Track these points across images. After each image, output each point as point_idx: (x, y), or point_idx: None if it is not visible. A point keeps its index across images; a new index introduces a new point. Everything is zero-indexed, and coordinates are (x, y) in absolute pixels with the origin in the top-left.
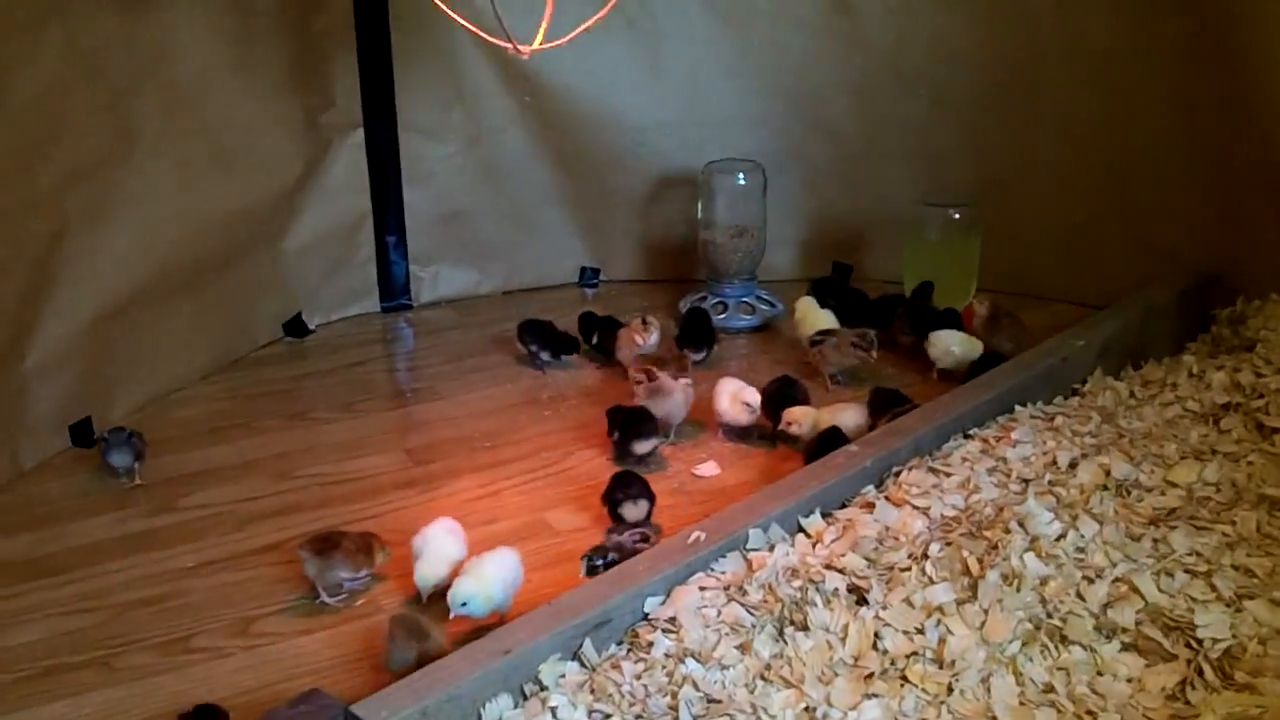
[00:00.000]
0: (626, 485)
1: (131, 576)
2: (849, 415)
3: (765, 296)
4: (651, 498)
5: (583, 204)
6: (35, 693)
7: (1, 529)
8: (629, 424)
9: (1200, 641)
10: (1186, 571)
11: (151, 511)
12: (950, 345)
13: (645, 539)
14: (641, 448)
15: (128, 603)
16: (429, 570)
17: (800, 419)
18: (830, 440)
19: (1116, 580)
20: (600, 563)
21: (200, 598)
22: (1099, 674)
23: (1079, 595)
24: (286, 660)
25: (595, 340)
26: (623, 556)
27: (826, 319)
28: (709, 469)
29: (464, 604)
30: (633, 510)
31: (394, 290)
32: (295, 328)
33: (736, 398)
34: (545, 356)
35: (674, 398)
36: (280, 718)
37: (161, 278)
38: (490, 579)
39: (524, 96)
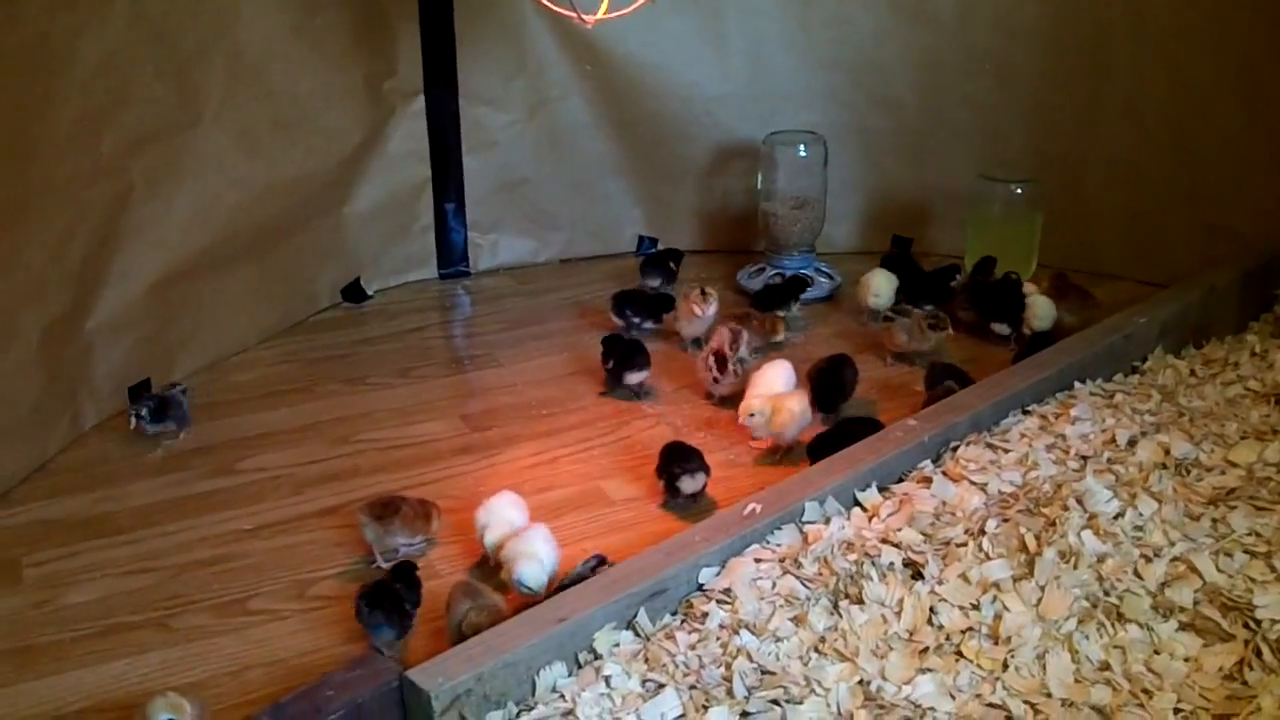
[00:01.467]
0: (684, 459)
1: (190, 538)
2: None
3: (824, 269)
4: (708, 470)
5: (642, 174)
6: (94, 651)
7: (62, 488)
8: (623, 355)
9: (1259, 622)
10: (1246, 552)
11: (210, 474)
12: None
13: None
14: (632, 378)
15: (186, 564)
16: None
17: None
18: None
19: (1175, 559)
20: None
21: (258, 560)
22: (1155, 653)
23: (1136, 574)
24: (343, 624)
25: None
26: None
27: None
28: (763, 443)
29: (529, 588)
30: (690, 484)
31: (452, 257)
32: (354, 293)
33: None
34: (648, 325)
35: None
36: (337, 681)
37: (223, 242)
38: (544, 556)
39: (585, 65)
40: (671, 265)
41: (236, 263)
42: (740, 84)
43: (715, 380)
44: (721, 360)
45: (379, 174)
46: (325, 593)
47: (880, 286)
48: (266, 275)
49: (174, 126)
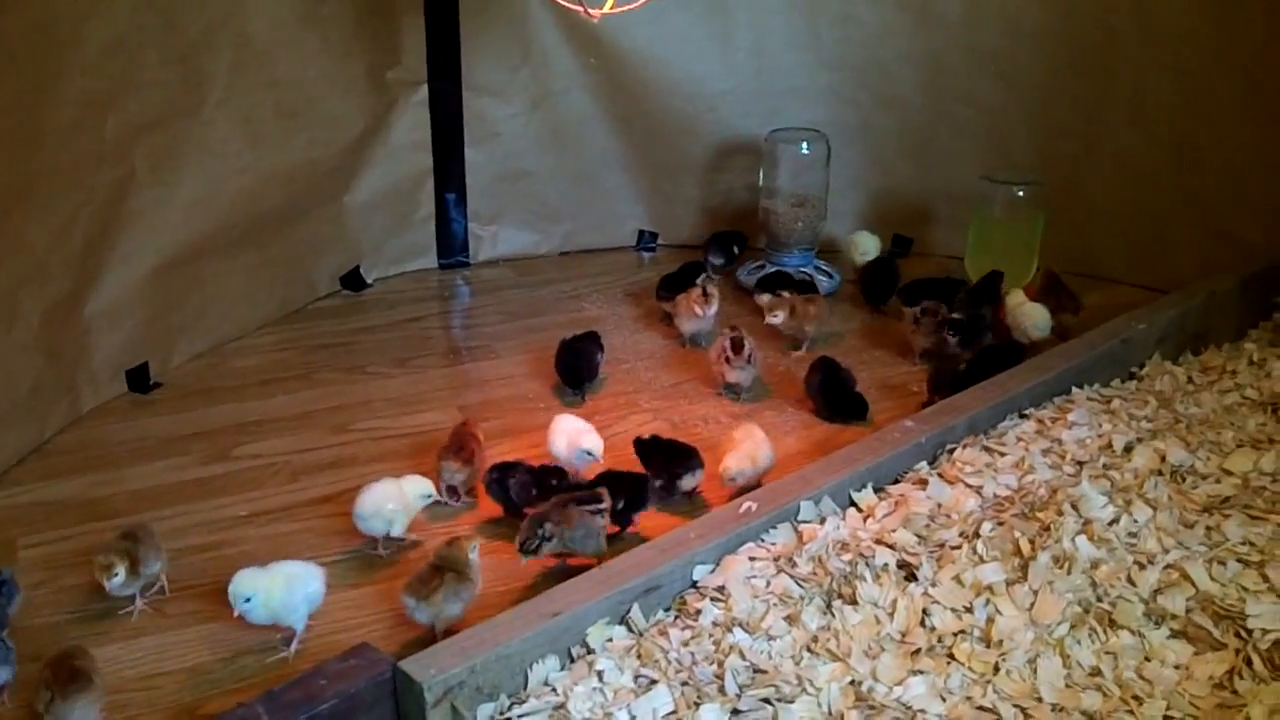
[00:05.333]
0: (684, 456)
1: (185, 523)
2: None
3: (824, 267)
4: (703, 466)
5: (644, 168)
6: (89, 634)
7: (59, 471)
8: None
9: (1250, 631)
10: (1239, 561)
11: (207, 459)
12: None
13: (598, 503)
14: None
15: (181, 549)
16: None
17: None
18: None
19: (1168, 567)
20: (535, 546)
21: (253, 547)
22: (1147, 660)
23: (1130, 580)
24: (337, 613)
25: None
26: (569, 524)
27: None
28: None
29: (247, 599)
30: (690, 481)
31: (452, 248)
32: (353, 281)
33: (574, 443)
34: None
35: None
36: (331, 670)
37: (224, 229)
38: (276, 585)
39: (590, 59)
40: (735, 249)
41: (237, 249)
42: (744, 80)
43: (728, 361)
44: (738, 344)
45: (381, 163)
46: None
47: (867, 245)
48: (267, 262)
49: (178, 112)
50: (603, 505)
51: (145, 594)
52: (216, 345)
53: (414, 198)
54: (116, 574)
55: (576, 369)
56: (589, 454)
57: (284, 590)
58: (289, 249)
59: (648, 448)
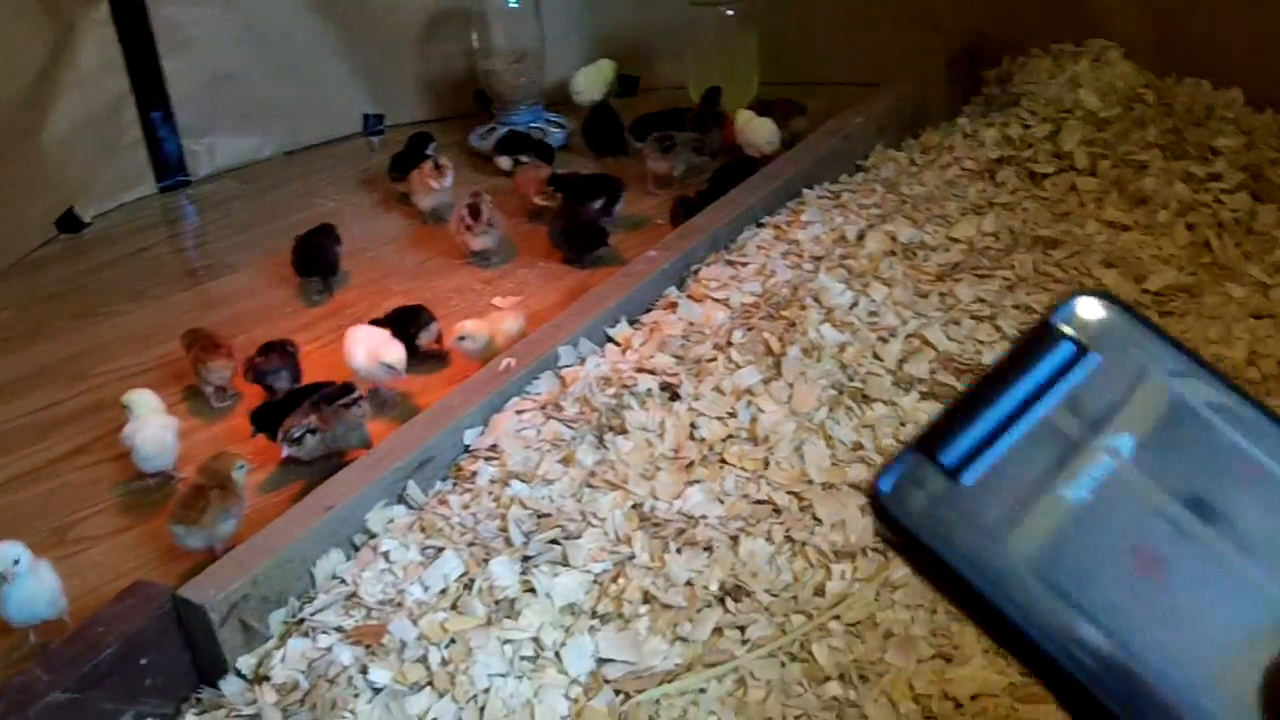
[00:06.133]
0: (414, 314)
1: None
2: (510, 323)
3: (554, 119)
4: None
5: (355, 51)
6: None
7: None
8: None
9: None
10: (972, 318)
11: None
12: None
13: (351, 393)
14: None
15: None
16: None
17: (474, 331)
18: None
19: (909, 336)
20: (299, 435)
21: (10, 514)
22: (902, 424)
23: (876, 356)
24: (111, 560)
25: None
26: (327, 425)
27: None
28: (507, 301)
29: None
30: (427, 336)
31: (169, 169)
32: (69, 223)
33: (374, 354)
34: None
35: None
36: (107, 615)
37: None
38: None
39: None
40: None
41: None
42: None
43: (468, 229)
44: (475, 210)
45: (71, 92)
46: (86, 534)
47: (579, 84)
48: None
49: None
50: (356, 394)
51: None
52: None
53: (116, 123)
54: None
55: (313, 263)
56: (391, 368)
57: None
58: None
59: (381, 324)
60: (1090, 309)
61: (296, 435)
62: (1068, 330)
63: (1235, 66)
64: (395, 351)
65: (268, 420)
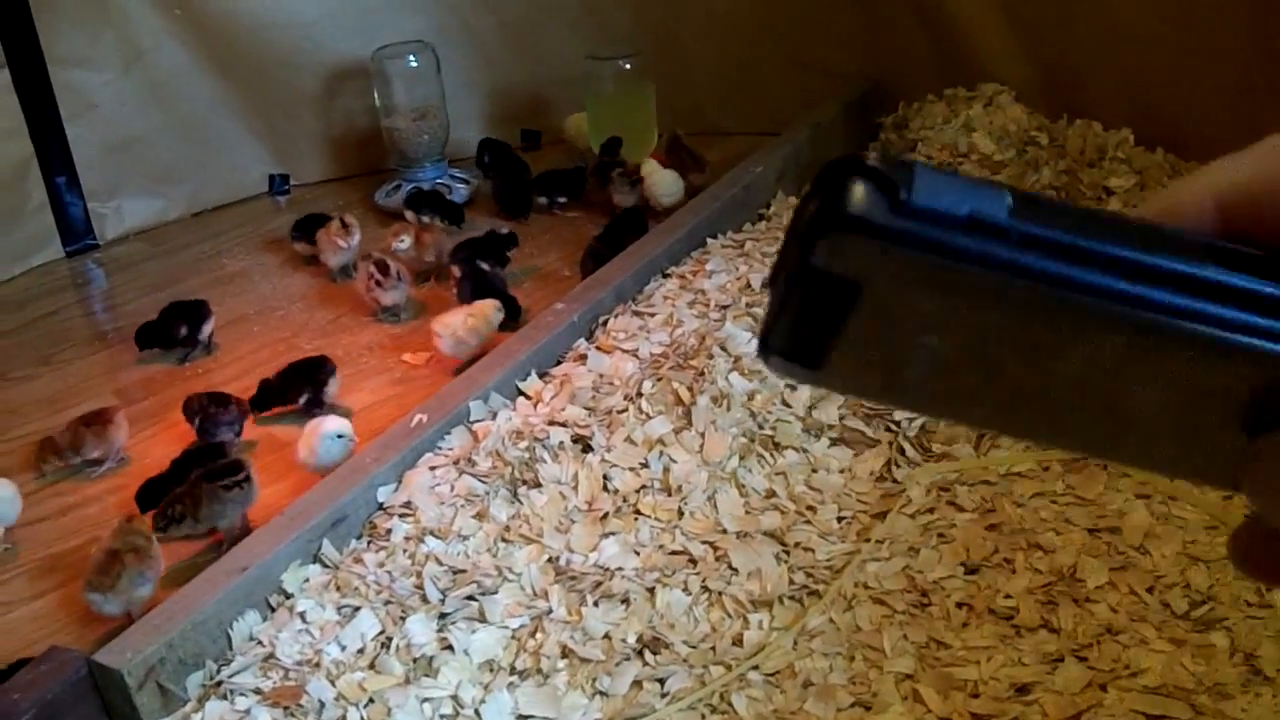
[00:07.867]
0: (319, 364)
1: None
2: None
3: (459, 175)
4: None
5: (256, 111)
6: None
7: None
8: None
9: (898, 423)
10: None
11: None
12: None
13: (234, 474)
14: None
15: None
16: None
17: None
18: None
19: None
20: (164, 524)
21: None
22: (814, 471)
23: (785, 403)
24: (24, 627)
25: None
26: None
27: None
28: (419, 357)
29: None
30: (334, 385)
31: (76, 232)
32: None
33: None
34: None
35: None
36: (21, 682)
37: None
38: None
39: (174, 10)
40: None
41: None
42: (335, 3)
43: (379, 285)
44: (383, 266)
45: None
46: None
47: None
48: None
49: None
50: (238, 476)
51: None
52: None
53: (20, 189)
54: None
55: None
56: (340, 436)
57: None
58: None
59: (285, 374)
60: None
61: (162, 525)
62: None
63: (1124, 106)
64: (335, 422)
65: (153, 496)
